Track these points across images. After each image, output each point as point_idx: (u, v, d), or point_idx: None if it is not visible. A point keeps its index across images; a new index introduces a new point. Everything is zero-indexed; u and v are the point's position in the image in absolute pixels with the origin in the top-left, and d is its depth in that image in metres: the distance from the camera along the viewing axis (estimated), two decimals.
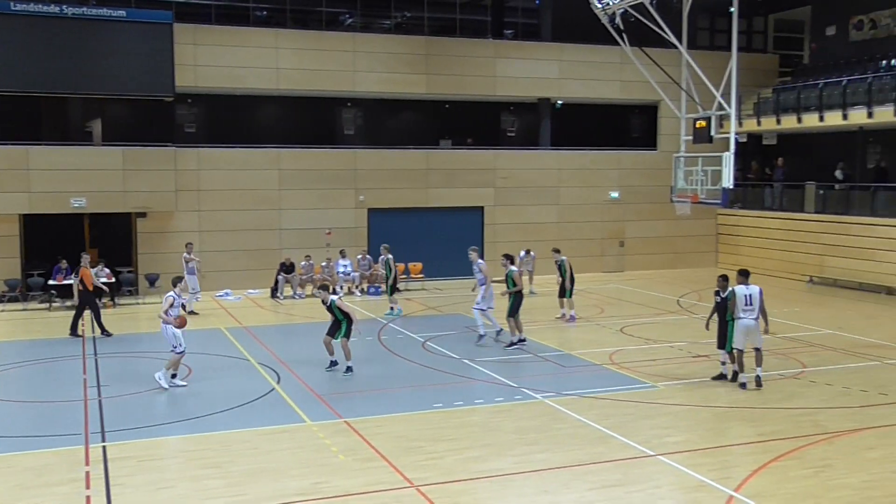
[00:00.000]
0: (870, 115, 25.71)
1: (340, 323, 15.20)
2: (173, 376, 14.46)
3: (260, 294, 25.28)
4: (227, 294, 24.88)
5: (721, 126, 22.19)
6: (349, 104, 29.45)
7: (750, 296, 13.73)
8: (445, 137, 30.48)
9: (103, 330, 18.99)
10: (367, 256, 25.82)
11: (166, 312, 14.26)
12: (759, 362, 13.98)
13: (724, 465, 10.34)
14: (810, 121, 27.77)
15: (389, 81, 28.16)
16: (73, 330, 18.99)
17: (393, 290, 21.61)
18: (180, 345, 14.27)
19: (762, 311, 13.80)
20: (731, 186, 20.30)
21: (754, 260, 30.09)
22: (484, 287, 17.79)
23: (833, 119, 26.93)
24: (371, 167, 27.65)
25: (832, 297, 24.95)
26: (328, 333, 15.39)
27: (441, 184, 28.45)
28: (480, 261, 18.16)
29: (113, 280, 22.78)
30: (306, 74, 27.20)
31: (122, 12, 23.86)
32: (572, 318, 20.34)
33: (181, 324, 14.31)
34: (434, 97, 29.32)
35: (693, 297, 23.85)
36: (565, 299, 20.53)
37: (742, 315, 13.71)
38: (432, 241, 27.75)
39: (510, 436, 11.59)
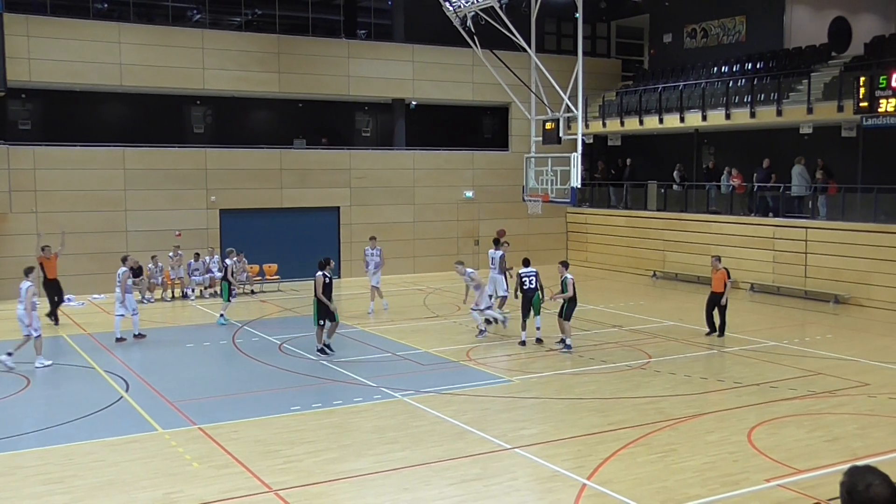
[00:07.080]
0: (704, 118, 27.27)
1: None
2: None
3: (105, 299, 24.15)
4: (69, 300, 23.58)
5: (569, 128, 22.86)
6: (198, 102, 28.63)
7: None
8: (299, 137, 30.10)
9: None
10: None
11: None
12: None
13: (577, 455, 10.69)
14: (651, 123, 29.18)
15: (240, 80, 27.55)
16: None
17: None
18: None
19: None
20: (580, 186, 20.96)
21: (602, 256, 31.36)
22: (479, 291, 18.40)
23: (671, 122, 28.41)
24: (222, 167, 26.95)
25: (673, 290, 26.28)
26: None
27: (295, 184, 28.07)
28: (469, 270, 18.71)
29: None
30: (151, 71, 26.21)
31: None
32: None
33: None
34: (287, 96, 28.90)
35: (545, 293, 24.47)
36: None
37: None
38: (288, 242, 27.34)
39: (369, 435, 11.56)
